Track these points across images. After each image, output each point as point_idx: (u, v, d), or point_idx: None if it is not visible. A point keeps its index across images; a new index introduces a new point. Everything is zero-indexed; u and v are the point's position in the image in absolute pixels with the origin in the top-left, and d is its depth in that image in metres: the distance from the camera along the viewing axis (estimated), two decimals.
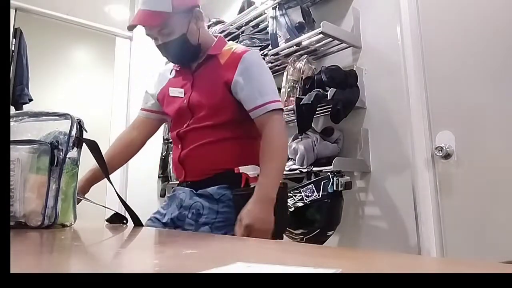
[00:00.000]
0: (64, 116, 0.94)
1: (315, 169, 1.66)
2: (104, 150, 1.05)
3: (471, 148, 1.47)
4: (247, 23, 2.23)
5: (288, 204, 1.55)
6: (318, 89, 1.64)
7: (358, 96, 1.71)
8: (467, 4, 1.52)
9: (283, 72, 1.87)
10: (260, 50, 2.00)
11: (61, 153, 0.89)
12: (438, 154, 1.51)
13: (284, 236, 1.51)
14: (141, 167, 2.78)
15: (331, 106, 1.68)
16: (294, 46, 1.86)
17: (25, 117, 0.93)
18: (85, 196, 1.26)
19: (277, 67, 2.06)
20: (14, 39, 2.64)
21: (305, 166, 1.69)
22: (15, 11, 2.60)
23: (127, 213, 1.05)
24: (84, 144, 0.96)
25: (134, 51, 3.07)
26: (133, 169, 2.81)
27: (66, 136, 0.91)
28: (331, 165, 1.57)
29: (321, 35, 1.74)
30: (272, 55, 1.93)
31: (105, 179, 1.04)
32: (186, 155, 1.24)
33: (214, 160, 1.21)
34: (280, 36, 1.91)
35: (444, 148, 1.49)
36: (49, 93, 3.81)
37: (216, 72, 1.23)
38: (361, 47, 1.81)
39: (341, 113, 1.65)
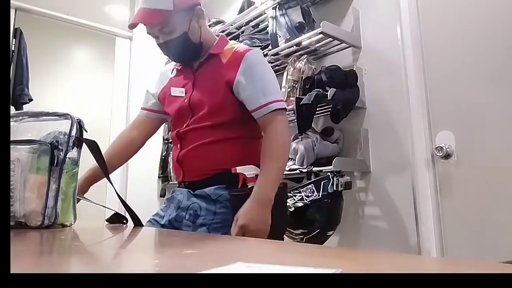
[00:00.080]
0: (64, 116, 0.94)
1: (315, 169, 1.66)
2: (104, 150, 1.05)
3: (471, 148, 1.47)
4: (247, 23, 2.23)
5: (288, 204, 1.55)
6: (318, 89, 1.64)
7: (358, 96, 1.71)
8: (467, 4, 1.52)
9: (283, 72, 1.88)
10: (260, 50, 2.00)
11: (61, 153, 0.89)
12: (438, 154, 1.51)
13: (284, 236, 1.51)
14: (141, 167, 2.78)
15: (331, 106, 1.68)
16: (294, 46, 1.86)
17: (25, 117, 0.93)
18: (85, 196, 1.25)
19: (277, 67, 2.06)
20: (14, 39, 2.64)
21: (305, 166, 1.69)
22: (15, 11, 2.60)
23: (127, 213, 1.05)
24: (84, 144, 0.96)
25: (134, 51, 3.07)
26: (133, 169, 2.81)
27: (66, 136, 0.91)
28: (331, 165, 1.57)
29: (321, 35, 1.74)
30: (272, 55, 1.93)
31: (105, 178, 1.04)
32: (185, 155, 1.23)
33: (214, 160, 1.19)
34: (280, 36, 1.90)
35: (444, 148, 1.49)
36: (49, 93, 3.81)
37: (218, 71, 1.22)
38: (361, 47, 1.81)
39: (341, 113, 1.65)
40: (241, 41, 2.15)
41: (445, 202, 1.52)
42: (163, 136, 2.89)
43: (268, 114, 1.16)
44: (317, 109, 1.71)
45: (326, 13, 1.97)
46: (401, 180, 1.60)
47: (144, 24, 1.20)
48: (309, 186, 1.57)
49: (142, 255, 0.57)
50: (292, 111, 1.68)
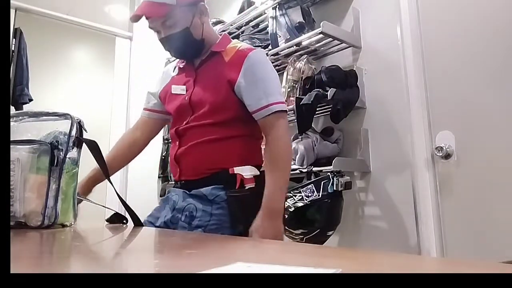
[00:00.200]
0: (64, 116, 0.94)
1: (315, 169, 1.66)
2: (104, 150, 1.05)
3: (471, 148, 1.47)
4: (247, 23, 2.23)
5: (288, 204, 1.55)
6: (318, 89, 1.64)
7: (358, 96, 1.71)
8: (467, 4, 1.52)
9: (283, 72, 1.88)
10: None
11: (61, 153, 0.89)
12: (438, 154, 1.51)
13: (284, 236, 1.51)
14: (141, 167, 2.77)
15: (331, 106, 1.68)
16: (294, 46, 1.86)
17: (25, 117, 0.93)
18: (87, 196, 1.26)
19: (277, 67, 2.05)
20: (14, 39, 2.64)
21: (305, 166, 1.69)
22: (15, 11, 2.60)
23: (127, 213, 1.05)
24: (84, 144, 0.96)
25: (134, 51, 3.07)
26: (133, 169, 2.81)
27: (66, 136, 0.91)
28: (331, 165, 1.57)
29: (321, 35, 1.74)
30: (272, 55, 1.93)
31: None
32: (183, 152, 1.21)
33: (213, 158, 1.18)
34: (280, 36, 1.90)
35: (444, 148, 1.49)
36: (49, 93, 3.80)
37: (220, 70, 1.21)
38: (361, 47, 1.81)
39: (341, 113, 1.65)
40: (241, 41, 2.15)
41: (445, 202, 1.52)
42: (163, 136, 2.89)
43: (269, 116, 1.16)
44: (317, 109, 1.71)
45: (326, 13, 1.97)
46: (401, 180, 1.60)
47: (147, 18, 1.20)
48: (309, 186, 1.57)
49: (142, 255, 0.57)
50: (292, 111, 1.68)
